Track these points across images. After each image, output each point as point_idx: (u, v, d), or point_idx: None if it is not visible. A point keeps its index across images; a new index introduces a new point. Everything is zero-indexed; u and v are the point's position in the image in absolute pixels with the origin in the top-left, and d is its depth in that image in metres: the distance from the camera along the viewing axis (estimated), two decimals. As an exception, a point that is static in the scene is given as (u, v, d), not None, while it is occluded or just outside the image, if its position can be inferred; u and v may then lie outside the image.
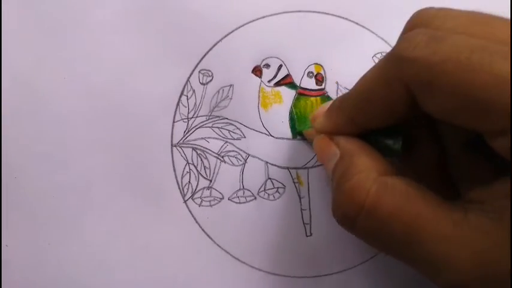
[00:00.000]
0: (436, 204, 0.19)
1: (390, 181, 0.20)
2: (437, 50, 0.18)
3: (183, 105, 0.29)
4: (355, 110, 0.22)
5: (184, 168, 0.29)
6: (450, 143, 0.23)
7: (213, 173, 0.29)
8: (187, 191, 0.29)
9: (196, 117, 0.29)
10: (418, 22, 0.20)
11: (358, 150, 0.22)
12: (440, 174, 0.23)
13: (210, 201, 0.29)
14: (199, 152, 0.29)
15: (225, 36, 0.29)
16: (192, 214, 0.29)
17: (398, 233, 0.19)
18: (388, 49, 0.30)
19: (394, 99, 0.20)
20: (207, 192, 0.29)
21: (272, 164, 0.29)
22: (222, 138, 0.29)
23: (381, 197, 0.19)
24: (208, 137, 0.29)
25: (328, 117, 0.23)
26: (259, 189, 0.29)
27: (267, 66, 0.30)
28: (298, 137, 0.30)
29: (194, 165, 0.29)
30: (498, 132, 0.17)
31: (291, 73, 0.30)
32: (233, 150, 0.29)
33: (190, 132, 0.29)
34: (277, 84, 0.30)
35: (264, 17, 0.30)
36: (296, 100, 0.30)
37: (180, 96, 0.29)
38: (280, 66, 0.30)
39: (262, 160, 0.29)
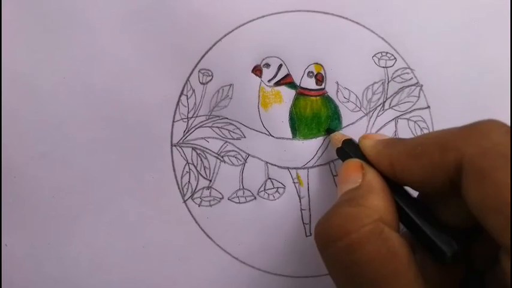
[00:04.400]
0: (415, 276, 0.19)
1: (387, 231, 0.19)
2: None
3: (183, 104, 0.29)
4: (399, 156, 0.21)
5: (184, 168, 0.29)
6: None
7: (213, 172, 0.29)
8: (187, 191, 0.29)
9: (196, 116, 0.29)
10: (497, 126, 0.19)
11: (377, 190, 0.21)
12: None
13: (209, 201, 0.29)
14: (199, 151, 0.29)
15: (225, 35, 0.29)
16: (191, 214, 0.29)
17: (364, 279, 0.19)
18: (388, 49, 0.30)
19: (441, 166, 0.19)
20: (206, 192, 0.29)
21: (272, 164, 0.29)
22: (222, 138, 0.29)
23: (369, 239, 0.19)
24: (208, 137, 0.29)
25: (375, 146, 0.23)
26: (259, 189, 0.29)
27: (267, 65, 0.30)
28: (298, 137, 0.30)
29: (194, 165, 0.29)
30: None
31: (291, 73, 0.30)
32: (233, 150, 0.29)
33: (190, 132, 0.29)
34: (277, 83, 0.30)
35: (264, 16, 0.30)
36: (296, 100, 0.30)
37: (180, 96, 0.29)
38: (280, 65, 0.30)
39: (262, 160, 0.29)
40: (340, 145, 0.27)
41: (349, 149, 0.26)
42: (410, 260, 0.19)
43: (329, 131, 0.29)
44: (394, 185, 0.22)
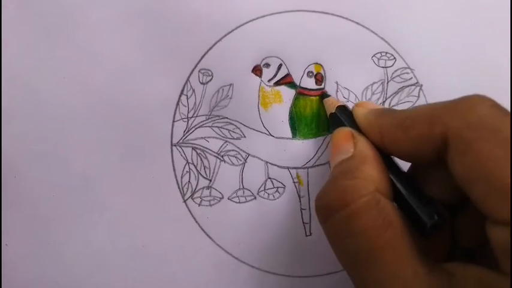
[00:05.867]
0: (409, 246, 0.19)
1: (383, 201, 0.20)
2: (496, 121, 0.18)
3: (183, 104, 0.29)
4: (389, 128, 0.22)
5: (184, 167, 0.29)
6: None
7: (213, 172, 0.29)
8: (187, 191, 0.29)
9: (196, 116, 0.29)
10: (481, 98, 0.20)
11: (370, 159, 0.22)
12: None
13: (209, 200, 0.29)
14: (199, 151, 0.29)
15: (225, 35, 0.29)
16: (191, 214, 0.29)
17: (361, 248, 0.19)
18: (388, 48, 0.30)
19: (428, 139, 0.20)
20: (206, 192, 0.29)
21: (272, 164, 0.29)
22: (222, 138, 0.29)
23: (366, 209, 0.19)
24: (208, 137, 0.29)
25: (367, 115, 0.23)
26: (259, 188, 0.29)
27: (267, 65, 0.30)
28: (298, 137, 0.30)
29: (194, 165, 0.29)
30: (503, 220, 0.17)
31: (290, 72, 0.30)
32: (233, 150, 0.29)
33: (190, 131, 0.29)
34: (277, 83, 0.30)
35: (264, 16, 0.30)
36: (296, 100, 0.30)
37: (180, 96, 0.29)
38: (280, 65, 0.30)
39: (262, 160, 0.29)
40: (333, 111, 0.26)
41: (342, 116, 0.26)
42: (404, 229, 0.20)
43: (323, 96, 0.29)
44: (382, 154, 0.22)
